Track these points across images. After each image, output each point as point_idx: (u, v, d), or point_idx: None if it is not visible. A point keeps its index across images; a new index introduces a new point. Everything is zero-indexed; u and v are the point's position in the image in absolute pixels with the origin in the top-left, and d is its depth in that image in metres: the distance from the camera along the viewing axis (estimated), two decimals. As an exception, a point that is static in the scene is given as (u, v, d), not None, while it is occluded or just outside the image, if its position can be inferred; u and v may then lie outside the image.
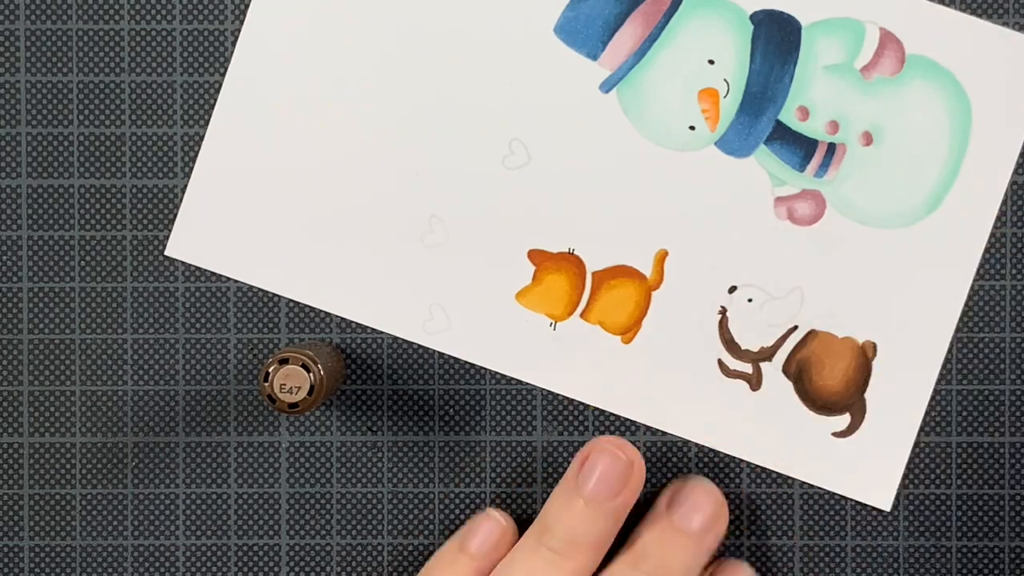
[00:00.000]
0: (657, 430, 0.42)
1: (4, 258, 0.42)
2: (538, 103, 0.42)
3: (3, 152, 0.42)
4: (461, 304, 0.42)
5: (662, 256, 0.42)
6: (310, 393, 0.37)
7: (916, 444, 0.42)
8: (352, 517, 0.43)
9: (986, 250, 0.42)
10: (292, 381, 0.37)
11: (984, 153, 0.41)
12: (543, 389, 0.42)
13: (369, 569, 0.43)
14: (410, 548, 0.43)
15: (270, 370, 0.37)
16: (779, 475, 0.42)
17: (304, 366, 0.37)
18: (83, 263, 0.42)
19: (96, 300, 0.42)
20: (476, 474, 0.43)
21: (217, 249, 0.42)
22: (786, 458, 0.42)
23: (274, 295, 0.42)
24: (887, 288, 0.42)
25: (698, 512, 0.40)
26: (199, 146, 0.42)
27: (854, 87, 0.41)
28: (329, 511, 0.43)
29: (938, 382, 0.42)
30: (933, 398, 0.42)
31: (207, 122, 0.42)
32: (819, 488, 0.42)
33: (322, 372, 0.37)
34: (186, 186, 0.42)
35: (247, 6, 0.42)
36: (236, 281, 0.42)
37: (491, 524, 0.41)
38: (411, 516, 0.43)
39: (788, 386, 0.42)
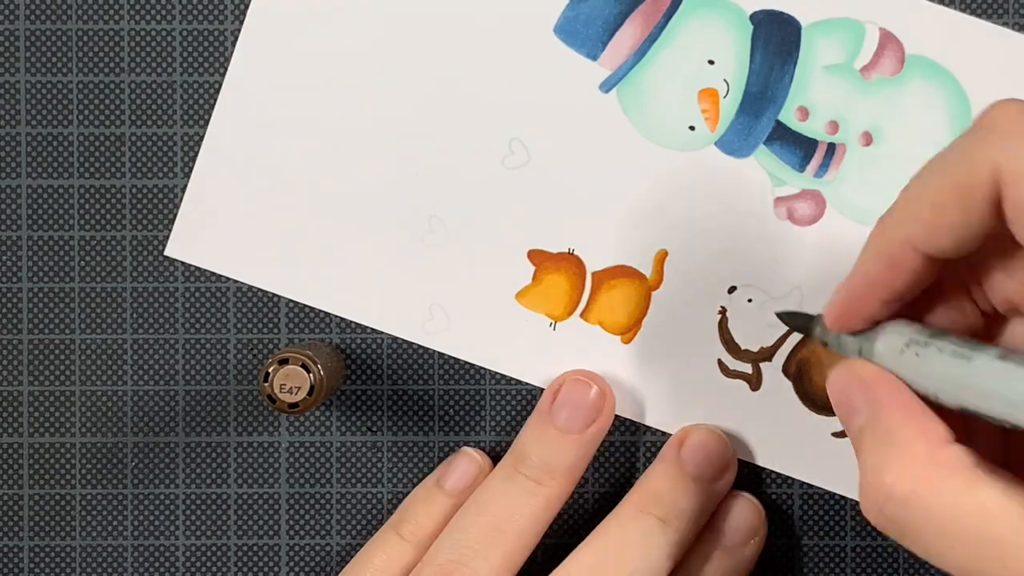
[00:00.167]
0: (657, 430, 0.42)
1: (4, 258, 0.42)
2: (538, 103, 0.42)
3: (3, 152, 0.42)
4: (461, 304, 0.42)
5: (662, 256, 0.42)
6: (310, 393, 0.37)
7: (916, 444, 0.42)
8: (352, 517, 0.43)
9: (986, 250, 0.42)
10: (292, 381, 0.37)
11: (984, 153, 0.41)
12: (543, 389, 0.42)
13: (369, 569, 0.43)
14: (410, 548, 0.43)
15: (270, 370, 0.37)
16: (779, 475, 0.42)
17: (304, 366, 0.37)
18: (83, 263, 0.42)
19: (96, 300, 0.42)
20: (476, 474, 0.43)
21: (217, 249, 0.42)
22: (786, 458, 0.42)
23: (274, 295, 0.42)
24: (887, 288, 0.42)
25: (708, 460, 0.40)
26: (199, 146, 0.42)
27: (854, 87, 0.41)
28: (329, 511, 0.43)
29: (938, 382, 0.42)
30: (933, 398, 0.42)
31: (207, 122, 0.42)
32: (819, 488, 0.42)
33: (322, 372, 0.37)
34: (186, 186, 0.42)
35: (247, 6, 0.42)
36: (236, 281, 0.42)
37: (468, 461, 0.41)
38: (411, 516, 0.43)
39: (788, 386, 0.42)
